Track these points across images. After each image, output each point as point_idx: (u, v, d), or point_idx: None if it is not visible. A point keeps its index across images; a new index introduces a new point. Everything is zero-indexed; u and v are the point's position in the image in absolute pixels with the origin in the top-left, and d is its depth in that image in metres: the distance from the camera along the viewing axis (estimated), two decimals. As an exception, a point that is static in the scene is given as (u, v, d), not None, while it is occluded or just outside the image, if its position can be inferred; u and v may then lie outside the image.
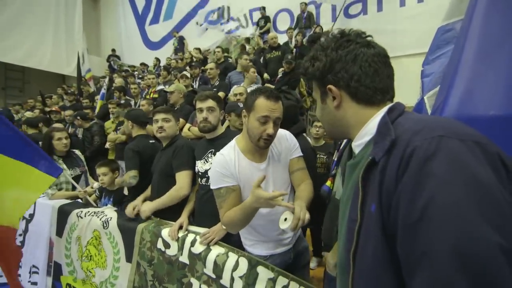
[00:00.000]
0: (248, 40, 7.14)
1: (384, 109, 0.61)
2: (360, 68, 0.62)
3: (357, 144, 0.65)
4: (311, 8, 7.03)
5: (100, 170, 2.38)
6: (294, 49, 5.61)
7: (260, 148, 1.24)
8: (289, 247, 1.40)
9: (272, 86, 4.16)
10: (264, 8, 7.52)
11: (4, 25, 8.51)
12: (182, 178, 1.77)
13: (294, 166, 1.36)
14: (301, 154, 1.38)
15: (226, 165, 1.25)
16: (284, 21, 7.68)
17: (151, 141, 2.25)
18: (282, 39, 6.14)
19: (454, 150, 0.45)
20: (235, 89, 3.29)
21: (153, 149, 2.18)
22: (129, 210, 1.83)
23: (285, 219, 1.05)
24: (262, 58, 5.27)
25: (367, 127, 0.62)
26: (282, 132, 1.36)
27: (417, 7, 5.78)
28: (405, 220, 0.46)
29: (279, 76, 4.41)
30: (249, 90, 3.56)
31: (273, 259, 1.35)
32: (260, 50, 6.10)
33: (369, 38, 0.66)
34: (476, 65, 0.81)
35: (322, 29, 6.03)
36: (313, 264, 2.68)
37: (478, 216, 0.41)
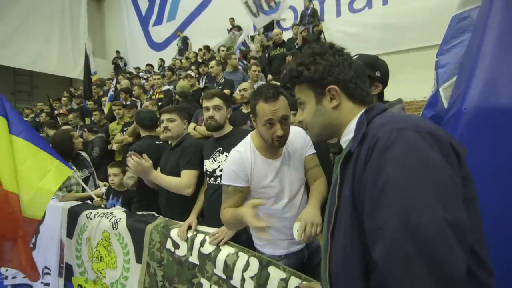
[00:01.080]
0: (252, 38, 7.09)
1: (363, 109, 0.70)
2: (355, 73, 0.72)
3: (344, 140, 0.73)
4: (315, 4, 6.93)
5: (111, 170, 2.40)
6: (300, 46, 5.53)
7: (275, 148, 1.25)
8: (303, 245, 1.38)
9: (277, 83, 4.11)
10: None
11: (10, 30, 8.62)
12: (188, 177, 1.76)
13: (309, 164, 1.36)
14: (314, 151, 1.38)
15: (241, 163, 1.25)
16: (287, 17, 7.61)
17: (157, 142, 2.21)
18: (285, 35, 6.07)
19: (410, 139, 0.52)
20: (241, 84, 3.31)
21: (158, 150, 2.13)
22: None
23: (298, 230, 1.08)
24: (266, 55, 5.21)
25: (351, 125, 0.70)
26: (296, 129, 1.36)
27: (425, 0, 5.64)
28: (369, 200, 0.54)
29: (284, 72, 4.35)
30: (255, 86, 3.56)
31: (287, 259, 1.33)
32: (264, 47, 6.04)
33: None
34: (498, 53, 0.77)
35: (321, 28, 5.90)
36: None
37: (425, 192, 0.48)
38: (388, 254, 0.49)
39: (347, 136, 0.72)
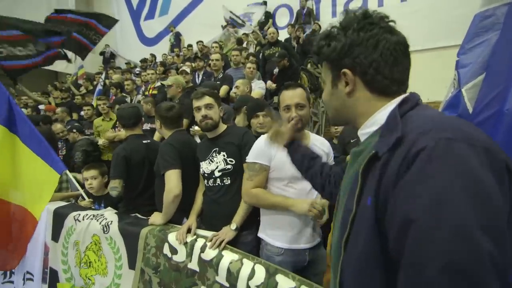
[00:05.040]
0: (247, 36, 6.99)
1: (396, 101, 0.59)
2: (381, 55, 0.58)
3: (363, 133, 0.64)
4: (311, 4, 6.91)
5: (88, 173, 2.18)
6: (296, 45, 5.47)
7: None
8: (306, 246, 1.39)
9: (273, 85, 3.99)
10: (265, 2, 7.37)
11: (-7, 20, 8.17)
12: (167, 180, 1.60)
13: None
14: (334, 162, 1.53)
15: (267, 143, 1.36)
16: (283, 17, 7.56)
17: (144, 141, 2.03)
18: (281, 35, 6.00)
19: (460, 155, 0.44)
20: (237, 81, 3.23)
21: (147, 150, 1.99)
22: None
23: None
24: (261, 54, 5.10)
25: (376, 117, 0.61)
26: (325, 140, 1.56)
27: (419, 2, 5.70)
28: (400, 220, 0.46)
29: (275, 74, 4.20)
30: (253, 85, 3.44)
31: (287, 255, 1.37)
32: (260, 44, 5.94)
33: (391, 24, 0.62)
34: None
35: (320, 27, 5.91)
36: None
37: (473, 223, 0.40)
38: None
39: (369, 128, 0.62)
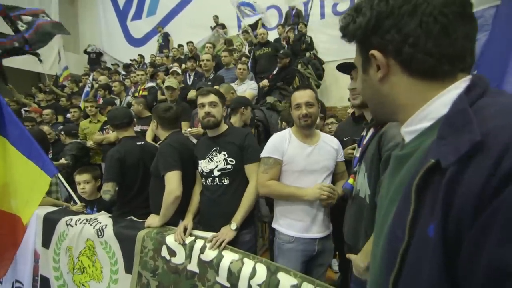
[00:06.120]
0: (236, 36, 6.99)
1: (459, 86, 0.43)
2: (420, 25, 0.43)
3: (409, 131, 0.49)
4: (300, 5, 6.98)
5: (81, 177, 2.13)
6: (286, 46, 5.51)
7: (303, 128, 1.50)
8: (317, 235, 1.48)
9: (267, 84, 4.03)
10: (255, 2, 7.40)
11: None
12: (168, 181, 1.58)
13: (340, 169, 1.63)
14: (344, 159, 1.63)
15: (280, 140, 1.53)
16: (272, 18, 7.60)
17: (138, 143, 2.01)
18: (270, 36, 6.03)
19: None
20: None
21: (142, 152, 1.97)
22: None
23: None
24: (251, 55, 5.12)
25: (428, 109, 0.45)
26: (334, 138, 1.64)
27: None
28: (490, 267, 0.31)
29: (274, 72, 4.25)
30: (240, 87, 3.43)
31: (298, 243, 1.46)
32: (250, 45, 5.97)
33: None
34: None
35: (306, 26, 5.97)
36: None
37: None
38: None
39: (418, 124, 0.47)
